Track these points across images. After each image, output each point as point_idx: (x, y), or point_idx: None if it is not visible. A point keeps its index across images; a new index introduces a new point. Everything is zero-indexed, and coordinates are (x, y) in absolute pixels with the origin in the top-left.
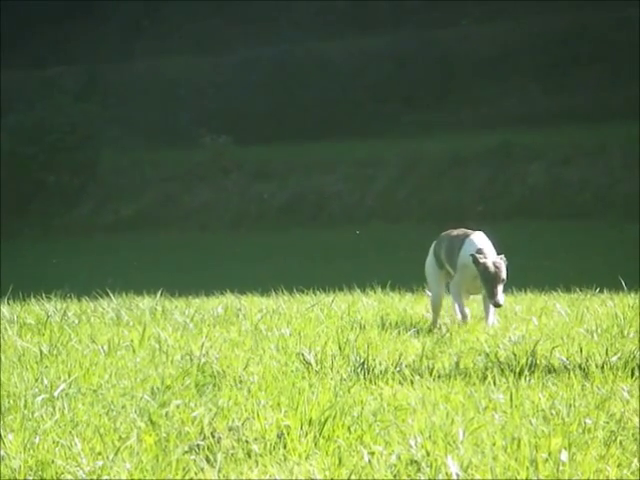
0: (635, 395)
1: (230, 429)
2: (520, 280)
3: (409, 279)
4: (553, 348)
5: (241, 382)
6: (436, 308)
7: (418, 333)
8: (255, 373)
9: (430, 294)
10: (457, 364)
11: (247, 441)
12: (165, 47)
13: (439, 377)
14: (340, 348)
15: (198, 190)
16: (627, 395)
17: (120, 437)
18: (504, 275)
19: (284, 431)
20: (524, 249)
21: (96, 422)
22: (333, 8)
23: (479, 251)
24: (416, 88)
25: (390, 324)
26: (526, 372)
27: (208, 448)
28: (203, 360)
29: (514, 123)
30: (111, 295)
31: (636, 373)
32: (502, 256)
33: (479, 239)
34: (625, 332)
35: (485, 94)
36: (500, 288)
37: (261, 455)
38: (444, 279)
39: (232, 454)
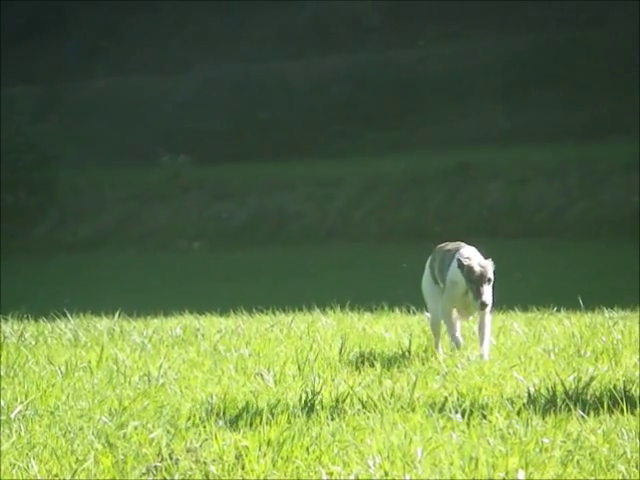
0: (591, 414)
1: (188, 450)
2: None
3: (368, 298)
4: (511, 367)
5: (200, 403)
6: (436, 328)
7: (377, 353)
8: (214, 394)
9: (428, 314)
10: (415, 384)
11: (205, 462)
12: (124, 66)
13: (397, 396)
14: (299, 368)
15: (157, 210)
16: (584, 414)
17: (77, 459)
18: (490, 275)
19: (242, 452)
20: None
21: (53, 444)
22: (293, 28)
23: (467, 258)
24: (375, 108)
25: (349, 344)
26: (483, 391)
27: (166, 470)
28: (161, 381)
29: (472, 143)
30: (69, 316)
31: (592, 392)
32: (490, 260)
33: (470, 253)
34: (582, 351)
35: (444, 114)
36: (486, 288)
37: (219, 476)
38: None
39: (190, 476)
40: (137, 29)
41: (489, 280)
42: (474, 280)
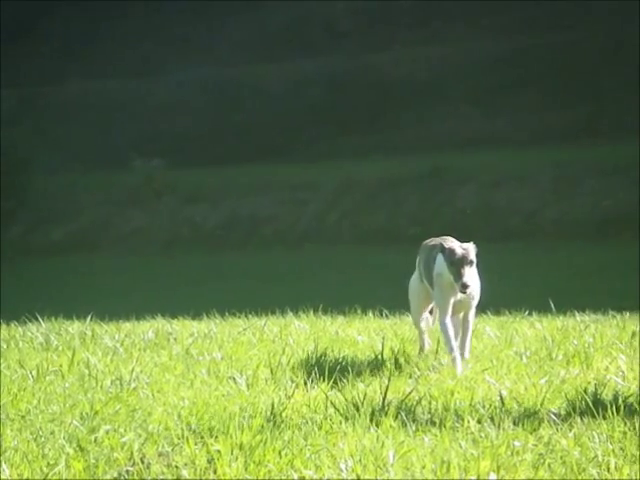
0: (563, 417)
1: (160, 455)
2: None
3: (341, 302)
4: (483, 371)
5: (172, 407)
6: (416, 324)
7: (350, 357)
8: (186, 398)
9: (410, 312)
10: (388, 387)
11: (177, 467)
12: (98, 70)
13: (369, 400)
14: (272, 372)
15: (130, 214)
16: (555, 417)
17: (48, 463)
18: (472, 257)
19: (214, 456)
20: None
21: (24, 448)
22: (268, 31)
23: (447, 243)
24: (350, 112)
25: (322, 347)
26: (456, 395)
27: (137, 474)
28: (133, 385)
29: (446, 146)
30: (40, 319)
31: (564, 396)
32: (472, 243)
33: (454, 243)
34: (553, 355)
35: (418, 118)
36: (468, 270)
37: None
38: (425, 294)
39: None
40: (111, 33)
41: (471, 262)
42: (455, 262)
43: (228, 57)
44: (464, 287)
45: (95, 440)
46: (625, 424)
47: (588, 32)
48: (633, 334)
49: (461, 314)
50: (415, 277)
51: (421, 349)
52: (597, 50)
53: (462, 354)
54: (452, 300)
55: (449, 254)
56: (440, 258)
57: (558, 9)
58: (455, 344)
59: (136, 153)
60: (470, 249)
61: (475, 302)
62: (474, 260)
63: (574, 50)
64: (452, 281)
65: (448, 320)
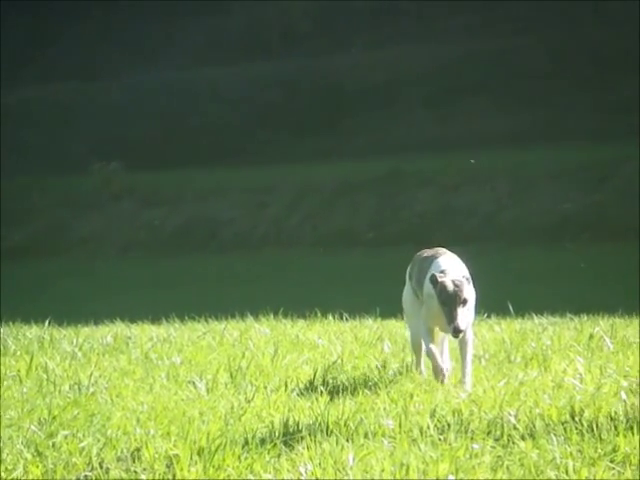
0: (522, 420)
1: (119, 459)
2: None
3: (301, 305)
4: None
5: (130, 412)
6: (415, 346)
7: (309, 360)
8: (145, 402)
9: (408, 331)
10: (347, 391)
11: (135, 471)
12: (53, 73)
13: (330, 403)
14: (232, 376)
15: (88, 217)
16: (514, 420)
17: (6, 468)
18: (466, 295)
19: (173, 460)
20: None
21: None
22: (223, 34)
23: (442, 271)
24: (307, 115)
25: (282, 351)
26: (415, 398)
27: (96, 479)
28: (92, 390)
29: (404, 150)
30: None
31: (523, 398)
32: (466, 275)
33: (448, 261)
34: (512, 357)
35: (375, 121)
36: (461, 311)
37: None
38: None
39: None
40: (66, 36)
41: (464, 301)
42: (446, 301)
43: (185, 60)
44: (456, 332)
45: (53, 445)
46: (583, 426)
47: (541, 36)
48: (590, 336)
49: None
50: (409, 291)
51: (418, 364)
52: (550, 54)
53: (464, 380)
54: (440, 321)
55: (440, 290)
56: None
57: (512, 13)
58: (434, 362)
59: (94, 156)
60: (462, 285)
61: (470, 323)
62: (468, 299)
63: (528, 54)
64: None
65: (426, 335)
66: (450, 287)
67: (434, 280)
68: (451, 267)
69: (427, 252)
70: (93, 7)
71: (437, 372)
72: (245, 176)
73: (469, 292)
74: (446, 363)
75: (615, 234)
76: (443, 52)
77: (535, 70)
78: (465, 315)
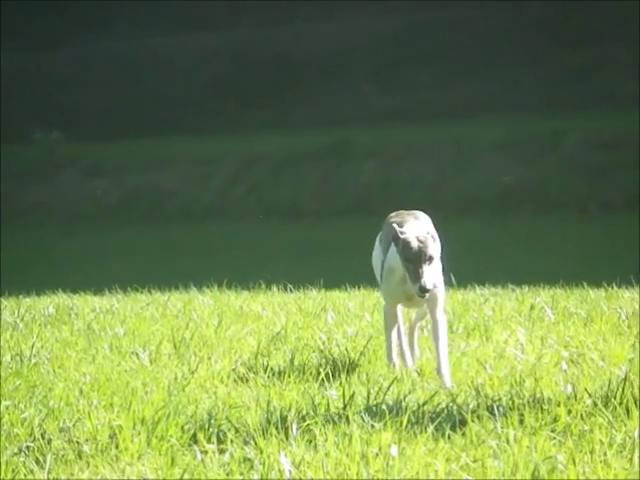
0: (463, 390)
1: (61, 430)
2: (353, 277)
3: (245, 276)
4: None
5: (73, 382)
6: (387, 324)
7: (253, 331)
8: (87, 373)
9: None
10: (292, 361)
11: (78, 442)
12: None
13: (274, 375)
14: (175, 347)
15: (30, 187)
16: (455, 389)
17: None
18: (431, 252)
19: (116, 431)
20: (358, 247)
21: None
22: (170, 4)
23: (402, 232)
24: (252, 86)
25: (226, 322)
26: (357, 368)
27: (38, 450)
28: (34, 360)
29: (350, 121)
30: None
31: (464, 368)
32: (431, 232)
33: (413, 226)
34: (454, 328)
35: (319, 92)
36: (427, 269)
37: (92, 456)
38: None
39: (62, 455)
40: (8, 5)
41: (430, 258)
42: (410, 258)
43: (130, 30)
44: (422, 290)
45: None
46: (525, 396)
47: (490, 7)
48: (532, 307)
49: (426, 314)
50: (377, 257)
51: (392, 363)
52: (499, 25)
53: (440, 373)
54: (402, 298)
55: (403, 247)
56: (393, 250)
57: None
58: (394, 345)
59: (35, 126)
60: (427, 240)
61: (441, 301)
62: (433, 256)
63: (476, 25)
64: (404, 278)
65: (388, 317)
66: (414, 243)
67: (396, 237)
68: (416, 229)
69: (398, 216)
70: None
71: (388, 360)
72: (190, 147)
73: (434, 249)
74: (408, 358)
75: (558, 206)
76: (391, 22)
77: (483, 41)
78: (431, 273)
